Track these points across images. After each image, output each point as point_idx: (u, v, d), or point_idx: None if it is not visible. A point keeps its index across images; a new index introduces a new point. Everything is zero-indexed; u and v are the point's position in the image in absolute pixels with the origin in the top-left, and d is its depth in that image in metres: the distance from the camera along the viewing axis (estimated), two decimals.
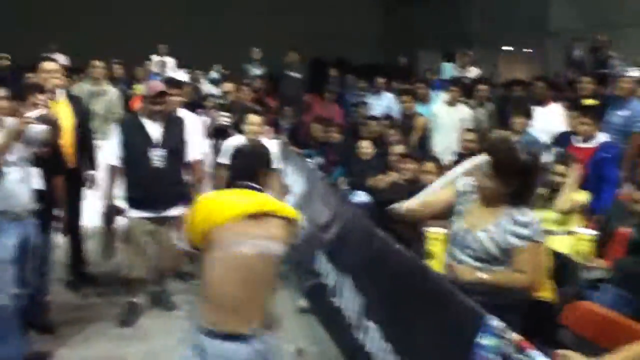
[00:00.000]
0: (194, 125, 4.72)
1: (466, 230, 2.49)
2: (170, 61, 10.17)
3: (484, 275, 2.39)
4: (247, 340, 2.12)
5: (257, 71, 9.21)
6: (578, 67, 10.21)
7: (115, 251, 4.25)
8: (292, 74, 8.77)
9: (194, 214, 2.23)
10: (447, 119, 6.17)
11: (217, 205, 2.21)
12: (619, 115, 5.09)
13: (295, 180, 5.53)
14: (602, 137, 4.41)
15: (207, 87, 8.65)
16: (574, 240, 3.61)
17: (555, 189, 3.90)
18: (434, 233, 3.06)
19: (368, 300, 3.24)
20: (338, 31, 14.93)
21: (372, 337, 3.06)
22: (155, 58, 10.19)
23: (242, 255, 2.14)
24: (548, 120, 5.44)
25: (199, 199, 2.32)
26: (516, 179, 2.39)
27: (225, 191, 2.31)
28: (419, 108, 6.72)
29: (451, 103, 6.30)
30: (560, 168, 3.90)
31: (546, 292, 3.00)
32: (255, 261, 2.16)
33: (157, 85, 4.10)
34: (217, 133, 5.43)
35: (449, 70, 9.08)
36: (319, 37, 14.31)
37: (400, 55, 12.14)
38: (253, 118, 4.68)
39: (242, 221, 2.15)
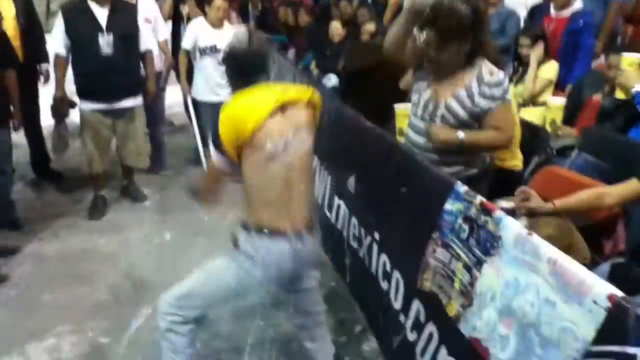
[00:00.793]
0: (150, 12, 4.43)
1: (429, 99, 2.39)
2: None
3: (462, 134, 2.31)
4: (293, 240, 2.05)
5: None
6: None
7: (68, 147, 4.12)
8: None
9: (222, 129, 2.03)
10: None
11: (242, 111, 2.02)
12: None
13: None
14: (577, 5, 4.21)
15: None
16: (545, 110, 3.56)
17: (523, 62, 3.79)
18: (403, 110, 2.96)
19: (338, 179, 3.21)
20: None
21: (341, 213, 3.07)
22: None
23: (282, 156, 2.01)
24: None
25: (222, 111, 2.07)
26: (468, 32, 2.21)
27: (240, 94, 2.09)
28: None
29: None
30: (525, 41, 3.77)
31: (515, 161, 2.99)
32: (295, 159, 2.05)
33: None
34: (179, 17, 5.13)
35: None
36: None
37: None
38: (218, 2, 4.46)
39: (271, 119, 1.99)
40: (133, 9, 4.09)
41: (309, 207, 2.13)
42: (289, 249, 2.02)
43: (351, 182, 2.99)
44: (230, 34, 4.58)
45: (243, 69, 2.12)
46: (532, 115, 3.59)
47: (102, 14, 3.70)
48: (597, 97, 3.35)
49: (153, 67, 4.13)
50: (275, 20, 6.98)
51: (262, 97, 2.04)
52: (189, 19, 4.89)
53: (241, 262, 2.04)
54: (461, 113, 2.30)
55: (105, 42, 3.67)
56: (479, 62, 2.28)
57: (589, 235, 2.34)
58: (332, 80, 5.09)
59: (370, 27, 5.03)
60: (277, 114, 2.01)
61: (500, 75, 2.27)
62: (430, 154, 2.42)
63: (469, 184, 2.16)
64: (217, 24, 4.53)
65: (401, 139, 3.04)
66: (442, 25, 2.19)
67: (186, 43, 4.56)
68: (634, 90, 2.79)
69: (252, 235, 2.02)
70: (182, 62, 4.60)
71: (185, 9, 5.11)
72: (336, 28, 5.58)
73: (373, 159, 2.72)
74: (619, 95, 3.02)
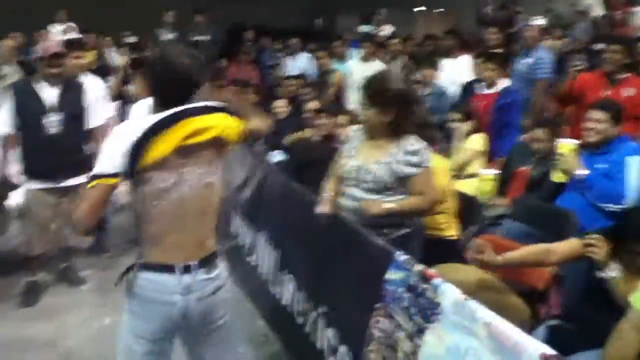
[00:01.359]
0: (97, 91, 4.47)
1: (359, 167, 2.59)
2: (73, 28, 9.53)
3: (391, 205, 2.49)
4: (181, 273, 1.92)
5: (169, 36, 8.79)
6: (489, 24, 10.49)
7: (9, 227, 3.99)
8: (200, 37, 8.46)
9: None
10: (361, 75, 6.18)
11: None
12: (524, 63, 5.29)
13: None
14: (504, 83, 4.56)
15: (115, 57, 8.20)
16: (478, 181, 3.76)
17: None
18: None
19: (283, 253, 3.23)
20: None
21: (287, 289, 3.07)
22: (56, 27, 9.52)
23: (172, 192, 1.91)
24: (456, 71, 5.58)
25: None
26: (392, 106, 2.53)
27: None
28: (336, 66, 6.72)
29: (365, 59, 6.31)
30: (455, 116, 4.04)
31: (452, 231, 3.12)
32: (190, 194, 1.94)
33: (52, 46, 3.81)
34: (124, 97, 5.19)
35: (365, 30, 9.13)
36: (237, 2, 13.88)
37: (318, 19, 12.11)
38: None
39: (172, 156, 1.89)
40: (82, 87, 4.12)
41: (209, 240, 2.01)
42: (176, 282, 1.90)
43: (294, 256, 3.03)
44: None
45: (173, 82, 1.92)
46: (465, 186, 3.78)
47: (52, 93, 3.72)
48: (526, 168, 3.58)
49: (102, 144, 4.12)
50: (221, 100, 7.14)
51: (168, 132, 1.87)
52: (135, 99, 4.94)
53: (132, 308, 1.94)
54: (386, 178, 2.52)
55: (53, 121, 3.67)
56: (404, 135, 2.56)
57: (525, 302, 2.44)
58: (277, 156, 5.20)
59: (313, 105, 5.24)
60: (177, 151, 1.89)
61: (419, 144, 2.55)
62: (361, 219, 2.55)
63: (403, 243, 2.36)
64: None
65: None
66: (371, 88, 2.56)
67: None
68: (579, 174, 3.00)
69: (138, 273, 1.93)
70: None
71: (132, 89, 5.19)
72: (281, 105, 5.77)
73: (317, 232, 2.77)
74: (559, 178, 3.20)
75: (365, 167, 2.57)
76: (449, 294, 1.79)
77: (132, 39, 8.81)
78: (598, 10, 12.36)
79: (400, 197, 2.54)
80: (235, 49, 8.76)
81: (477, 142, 3.99)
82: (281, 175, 3.49)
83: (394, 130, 2.57)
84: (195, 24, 8.71)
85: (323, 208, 2.65)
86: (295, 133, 5.24)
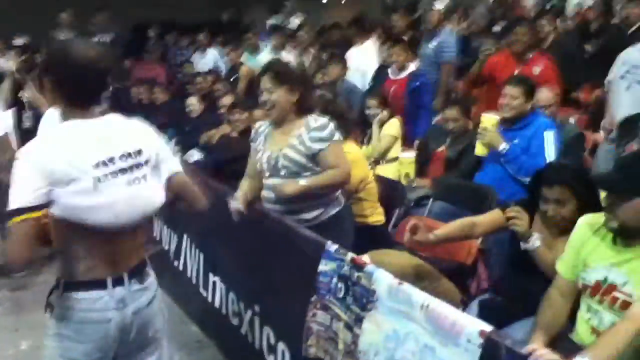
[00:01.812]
0: None
1: (271, 156, 2.59)
2: None
3: (304, 182, 2.49)
4: (112, 287, 1.76)
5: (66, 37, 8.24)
6: (392, 11, 10.72)
7: None
8: (101, 37, 7.99)
9: None
10: None
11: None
12: (429, 47, 5.41)
13: None
14: (412, 67, 4.66)
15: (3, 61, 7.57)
16: (398, 165, 3.82)
17: (371, 123, 4.08)
18: None
19: (211, 255, 3.12)
20: None
21: (217, 290, 2.97)
22: None
23: None
24: (362, 58, 5.61)
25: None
26: (297, 84, 2.55)
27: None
28: (250, 59, 6.58)
29: (275, 50, 6.23)
30: (372, 102, 4.07)
31: (377, 216, 3.14)
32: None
33: None
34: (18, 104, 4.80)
35: (274, 22, 9.02)
36: (141, 2, 13.30)
37: (226, 12, 11.80)
38: None
39: None
40: None
41: (139, 248, 1.86)
42: (108, 297, 1.74)
43: (221, 257, 2.93)
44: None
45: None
46: (387, 171, 3.84)
47: None
48: (442, 149, 3.68)
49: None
50: (128, 100, 6.82)
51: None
52: (30, 105, 4.58)
53: (61, 331, 1.75)
54: (298, 158, 2.52)
55: None
56: (307, 116, 2.57)
57: (454, 280, 2.50)
58: (194, 155, 5.04)
59: (226, 100, 5.12)
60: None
61: (323, 119, 2.57)
62: (284, 206, 2.56)
63: (335, 225, 2.40)
64: None
65: None
66: (275, 70, 2.55)
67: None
68: (501, 148, 3.08)
69: (64, 293, 1.73)
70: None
71: (25, 95, 4.79)
72: (193, 103, 5.59)
73: (242, 228, 2.69)
74: (480, 152, 3.25)
75: (277, 154, 2.56)
76: (383, 280, 1.78)
77: (20, 41, 8.19)
78: None
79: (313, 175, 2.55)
80: (139, 48, 8.39)
81: (394, 127, 4.04)
82: (199, 175, 3.36)
83: (300, 110, 2.58)
84: (94, 23, 8.21)
85: (236, 205, 2.60)
86: (211, 130, 5.10)
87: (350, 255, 1.92)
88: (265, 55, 6.42)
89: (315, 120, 2.55)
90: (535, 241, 2.16)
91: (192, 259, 3.33)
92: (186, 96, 5.92)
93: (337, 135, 2.56)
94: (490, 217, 2.43)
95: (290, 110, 2.58)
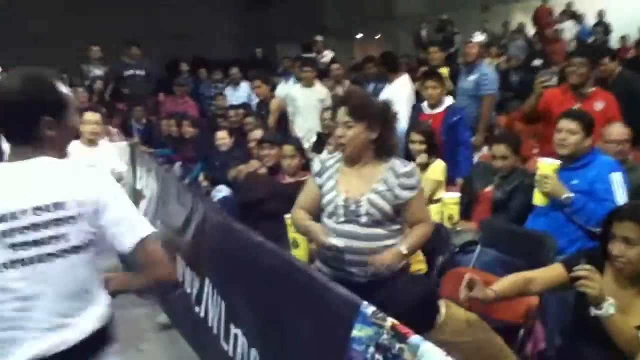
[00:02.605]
0: None
1: (347, 199, 2.32)
2: None
3: (406, 246, 2.29)
4: None
5: (97, 71, 8.27)
6: (425, 47, 10.64)
7: None
8: (135, 71, 7.98)
9: None
10: (305, 101, 5.91)
11: None
12: (469, 80, 5.16)
13: (147, 184, 4.94)
14: (448, 101, 4.38)
15: None
16: (441, 207, 3.49)
17: (414, 159, 3.76)
18: (289, 217, 2.73)
19: (233, 304, 2.83)
20: (194, 31, 14.29)
21: (239, 345, 2.66)
22: None
23: None
24: (396, 93, 5.35)
25: None
26: (377, 121, 2.30)
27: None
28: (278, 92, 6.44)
29: (307, 84, 6.04)
30: (416, 137, 3.76)
31: (419, 265, 2.82)
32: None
33: None
34: None
35: (307, 55, 8.93)
36: (174, 37, 13.54)
37: (258, 50, 11.95)
38: (89, 116, 4.18)
39: None
40: None
41: (72, 327, 1.52)
42: None
43: (244, 307, 2.64)
44: (107, 152, 4.33)
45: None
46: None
47: None
48: (489, 189, 3.35)
49: None
50: (159, 134, 6.73)
51: None
52: None
53: None
54: (386, 207, 2.29)
55: None
56: (389, 157, 2.34)
57: (507, 338, 2.16)
58: (222, 191, 4.82)
59: (256, 134, 4.91)
60: None
61: (411, 165, 2.35)
62: (354, 256, 2.32)
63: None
64: (89, 141, 4.17)
65: (296, 253, 2.79)
66: (353, 103, 2.30)
67: None
68: (564, 197, 2.74)
69: None
70: None
71: None
72: (222, 137, 5.42)
73: (268, 279, 2.41)
74: (539, 201, 2.85)
75: (358, 198, 2.30)
76: (430, 355, 1.46)
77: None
78: (529, 29, 12.83)
79: (397, 227, 2.36)
80: (170, 83, 8.38)
81: (438, 171, 3.69)
82: (223, 215, 3.11)
83: (378, 152, 2.34)
84: (128, 56, 8.22)
85: (327, 239, 2.27)
86: (239, 165, 4.89)
87: (390, 321, 1.60)
88: (296, 89, 6.24)
89: (404, 165, 2.34)
90: (608, 307, 1.82)
91: (214, 307, 3.04)
92: (217, 130, 5.78)
93: (420, 182, 2.37)
94: (551, 273, 2.13)
95: (366, 151, 2.33)
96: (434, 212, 3.53)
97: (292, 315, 2.22)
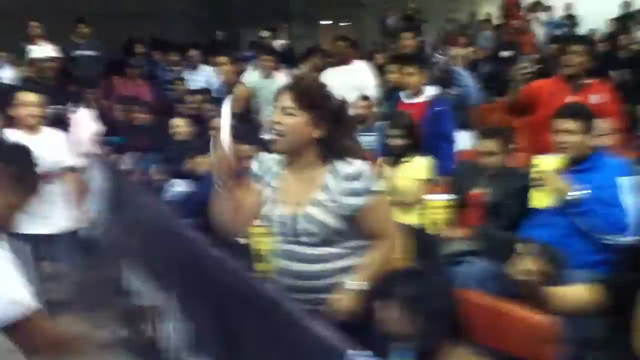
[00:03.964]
0: None
1: (290, 214, 1.89)
2: None
3: (361, 285, 1.86)
4: None
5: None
6: (392, 35, 10.39)
7: None
8: (85, 51, 7.34)
9: None
10: (265, 92, 5.43)
11: None
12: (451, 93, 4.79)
13: (94, 177, 4.41)
14: (430, 90, 4.02)
15: None
16: (421, 209, 3.13)
17: (394, 154, 3.39)
18: (259, 228, 2.32)
19: (191, 327, 2.40)
20: (152, 11, 13.58)
21: None
22: None
23: None
24: (359, 75, 4.99)
25: None
26: (325, 116, 1.86)
27: None
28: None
29: (266, 75, 5.54)
30: (394, 131, 3.37)
31: None
32: None
33: None
34: None
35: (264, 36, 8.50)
36: (131, 17, 12.81)
37: (220, 33, 11.41)
38: (26, 97, 3.43)
39: None
40: None
41: None
42: None
43: (210, 333, 2.21)
44: (50, 140, 3.65)
45: None
46: (408, 217, 3.15)
47: None
48: (478, 191, 3.00)
49: None
50: (112, 121, 6.17)
51: None
52: None
53: None
54: (329, 221, 1.86)
55: None
56: (334, 160, 1.88)
57: None
58: (177, 186, 4.35)
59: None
60: None
61: (358, 163, 1.86)
62: (303, 282, 1.91)
63: None
64: (29, 128, 3.45)
65: (262, 266, 2.39)
66: (301, 88, 1.90)
67: None
68: (571, 196, 2.41)
69: None
70: None
71: None
72: (179, 125, 4.92)
73: (230, 304, 1.99)
74: (541, 202, 2.55)
75: (294, 212, 1.87)
76: None
77: None
78: (497, 19, 12.69)
79: (352, 243, 1.91)
80: (123, 64, 7.75)
81: (424, 169, 3.31)
82: (174, 218, 2.66)
83: (323, 154, 1.88)
84: (77, 35, 7.54)
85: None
86: (198, 157, 4.43)
87: None
88: (257, 79, 5.77)
89: (349, 164, 1.86)
90: None
91: (173, 329, 2.59)
92: (171, 116, 5.29)
93: (379, 185, 1.92)
94: (572, 295, 1.79)
95: (309, 149, 1.88)
96: (416, 216, 3.19)
97: (259, 350, 1.82)
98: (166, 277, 2.80)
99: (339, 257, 1.89)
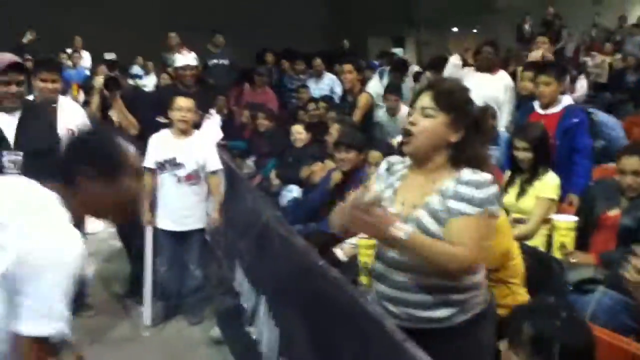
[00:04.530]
0: (74, 119, 3.72)
1: (400, 215, 1.73)
2: (86, 55, 9.05)
3: (402, 233, 1.61)
4: None
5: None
6: (528, 42, 9.79)
7: None
8: (219, 60, 7.76)
9: None
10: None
11: None
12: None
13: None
14: (567, 100, 3.66)
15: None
16: (548, 230, 2.85)
17: (519, 167, 3.12)
18: (363, 239, 2.24)
19: (287, 333, 2.40)
20: (283, 22, 14.17)
21: None
22: (69, 52, 9.07)
23: None
24: (494, 87, 4.66)
25: None
26: (464, 120, 1.73)
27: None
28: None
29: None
30: (521, 143, 3.10)
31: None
32: None
33: (5, 57, 2.92)
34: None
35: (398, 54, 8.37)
36: (264, 27, 13.45)
37: (346, 41, 11.55)
38: (181, 101, 3.60)
39: None
40: (52, 114, 3.35)
41: None
42: None
43: (297, 338, 2.19)
44: (200, 144, 3.67)
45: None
46: (535, 238, 2.88)
47: (8, 124, 2.99)
48: (614, 213, 2.66)
49: None
50: (236, 125, 6.46)
51: None
52: (120, 126, 4.20)
53: None
54: (434, 228, 1.69)
55: (9, 161, 2.92)
56: (463, 167, 1.73)
57: None
58: (292, 192, 4.41)
59: (334, 130, 4.42)
60: None
61: (486, 175, 1.69)
62: (408, 294, 1.74)
63: (467, 332, 1.65)
64: (180, 131, 3.61)
65: (366, 280, 2.31)
66: (442, 88, 1.77)
67: (147, 160, 3.56)
68: None
69: None
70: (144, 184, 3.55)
71: (113, 115, 4.43)
72: (299, 131, 4.99)
73: (329, 314, 1.94)
74: None
75: (410, 216, 1.73)
76: None
77: (110, 56, 8.10)
78: None
79: None
80: (252, 73, 8.10)
81: (550, 187, 3.00)
82: (284, 225, 2.67)
83: (454, 160, 1.75)
84: (212, 45, 8.02)
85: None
86: (314, 164, 4.46)
87: None
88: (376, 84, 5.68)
89: (473, 172, 1.71)
90: None
91: (268, 331, 2.62)
92: (293, 123, 5.38)
93: (495, 207, 1.70)
94: None
95: (441, 153, 1.75)
96: (539, 238, 2.91)
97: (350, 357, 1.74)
98: (263, 281, 2.84)
99: (436, 275, 1.70)
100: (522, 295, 2.21)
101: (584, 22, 12.30)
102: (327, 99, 6.07)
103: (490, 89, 4.45)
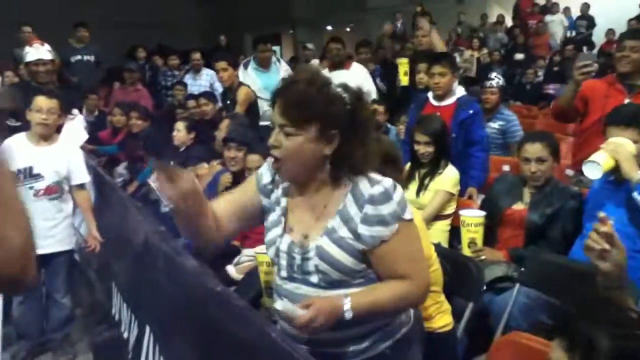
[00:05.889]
0: None
1: (293, 244, 1.46)
2: None
3: (348, 306, 1.38)
4: None
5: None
6: (401, 39, 10.13)
7: None
8: (83, 57, 6.97)
9: None
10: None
11: None
12: (492, 127, 4.30)
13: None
14: (460, 91, 3.60)
15: None
16: (446, 225, 2.74)
17: (420, 162, 2.99)
18: (261, 254, 1.94)
19: None
20: (157, 20, 13.47)
21: None
22: None
23: None
24: (354, 80, 4.60)
25: None
26: (331, 120, 1.38)
27: None
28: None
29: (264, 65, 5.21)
30: (422, 137, 2.97)
31: (444, 318, 2.03)
32: None
33: None
34: None
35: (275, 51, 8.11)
36: (135, 25, 12.63)
37: (222, 37, 11.22)
38: (41, 101, 3.01)
39: None
40: None
41: None
42: None
43: None
44: (61, 152, 3.05)
45: None
46: (436, 234, 2.75)
47: None
48: (519, 207, 2.60)
49: None
50: (106, 128, 5.82)
51: None
52: None
53: None
54: (343, 258, 1.41)
55: None
56: (352, 178, 1.44)
57: None
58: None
59: (223, 128, 4.07)
60: None
61: (386, 182, 1.40)
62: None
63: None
64: (38, 136, 3.03)
65: (270, 302, 2.00)
66: (292, 98, 1.40)
67: None
68: (637, 180, 1.99)
69: None
70: None
71: None
72: (180, 130, 4.52)
73: (232, 352, 1.61)
74: (608, 165, 2.08)
75: (302, 243, 1.45)
76: None
77: None
78: (509, 21, 12.32)
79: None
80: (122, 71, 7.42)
81: (452, 180, 2.92)
82: (167, 241, 2.28)
83: (337, 171, 1.44)
84: (75, 40, 7.17)
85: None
86: (199, 166, 4.07)
87: None
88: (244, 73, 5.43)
89: (372, 183, 1.40)
90: None
91: None
92: (173, 123, 4.91)
93: (407, 211, 1.42)
94: None
95: (321, 167, 1.43)
96: (439, 232, 2.80)
97: None
98: (147, 308, 2.44)
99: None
100: (444, 304, 2.03)
101: (450, 20, 12.93)
102: (208, 95, 5.64)
103: (352, 83, 4.34)
